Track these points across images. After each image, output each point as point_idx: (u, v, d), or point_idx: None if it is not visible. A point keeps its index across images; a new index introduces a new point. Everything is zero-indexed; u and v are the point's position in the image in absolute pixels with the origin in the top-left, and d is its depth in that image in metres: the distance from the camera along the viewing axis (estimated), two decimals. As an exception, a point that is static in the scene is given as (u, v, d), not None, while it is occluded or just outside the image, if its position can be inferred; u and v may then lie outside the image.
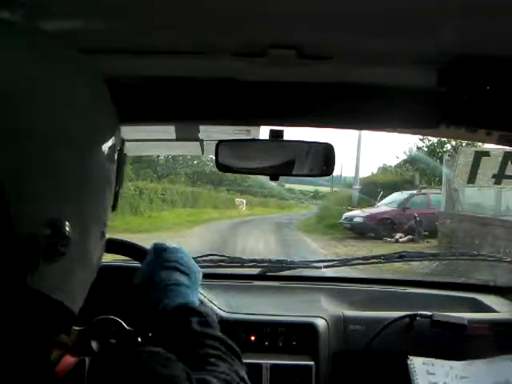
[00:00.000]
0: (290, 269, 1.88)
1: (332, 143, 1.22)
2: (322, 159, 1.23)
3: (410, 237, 11.54)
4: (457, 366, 1.35)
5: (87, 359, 0.52)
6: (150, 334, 0.88)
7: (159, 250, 0.89)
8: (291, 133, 1.21)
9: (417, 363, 1.34)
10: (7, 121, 0.47)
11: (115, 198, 0.62)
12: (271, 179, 1.27)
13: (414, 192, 13.66)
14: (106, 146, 0.56)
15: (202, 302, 0.90)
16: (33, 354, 0.49)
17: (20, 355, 0.48)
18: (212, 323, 0.76)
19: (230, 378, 0.64)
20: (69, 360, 0.51)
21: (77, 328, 0.83)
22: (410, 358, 1.35)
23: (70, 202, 0.52)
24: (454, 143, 15.61)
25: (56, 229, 0.49)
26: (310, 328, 1.45)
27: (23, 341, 0.48)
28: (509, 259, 2.20)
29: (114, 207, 0.63)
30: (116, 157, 0.59)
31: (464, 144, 12.24)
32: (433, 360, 1.35)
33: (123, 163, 0.63)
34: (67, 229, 0.50)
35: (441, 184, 12.22)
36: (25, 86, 0.49)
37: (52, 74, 0.52)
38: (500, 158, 8.54)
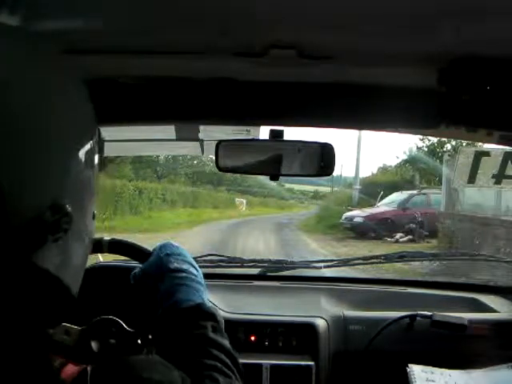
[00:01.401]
0: (289, 269, 1.88)
1: (332, 143, 1.22)
2: (322, 159, 1.23)
3: (410, 237, 11.54)
4: (456, 374, 1.34)
5: (89, 368, 0.54)
6: (150, 336, 0.88)
7: (168, 245, 0.90)
8: (291, 133, 1.21)
9: (416, 371, 1.33)
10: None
11: None
12: (271, 179, 1.27)
13: (414, 192, 13.65)
14: (89, 141, 0.60)
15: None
16: (35, 360, 0.49)
17: (22, 360, 0.49)
18: (223, 330, 0.76)
19: None
20: (72, 369, 0.53)
21: (77, 328, 0.83)
22: (410, 365, 1.35)
23: (68, 185, 0.56)
24: (454, 143, 15.63)
25: (58, 208, 0.53)
26: (310, 328, 1.45)
27: (25, 336, 0.49)
28: (509, 259, 2.21)
29: None
30: (96, 145, 0.62)
31: (464, 144, 12.25)
32: (432, 368, 1.35)
33: (102, 149, 0.66)
34: (68, 208, 0.54)
35: (441, 184, 12.22)
36: (15, 85, 0.51)
37: (31, 74, 0.54)
38: (500, 158, 8.54)
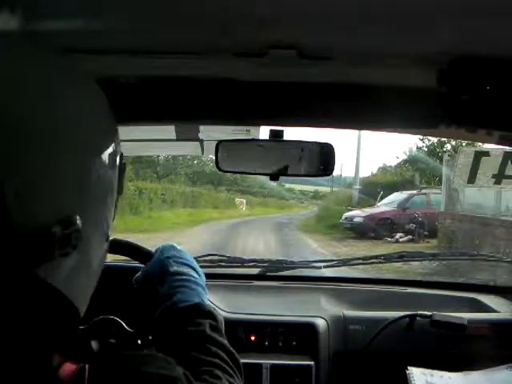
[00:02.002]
0: (289, 269, 1.88)
1: (332, 143, 1.22)
2: (322, 159, 1.23)
3: (410, 237, 11.54)
4: (456, 377, 1.34)
5: (87, 366, 0.52)
6: (151, 337, 0.88)
7: (169, 247, 0.90)
8: (291, 133, 1.21)
9: (416, 373, 1.33)
10: (10, 124, 0.47)
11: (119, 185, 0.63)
12: (271, 179, 1.27)
13: (414, 192, 13.65)
14: (107, 149, 0.57)
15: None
16: (34, 358, 0.49)
17: (22, 359, 0.48)
18: (221, 329, 0.76)
19: None
20: (70, 367, 0.52)
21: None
22: (409, 368, 1.35)
23: (80, 199, 0.52)
24: (454, 143, 15.62)
25: (69, 222, 0.50)
26: (310, 328, 1.45)
27: (27, 341, 0.49)
28: (509, 259, 2.21)
29: (119, 192, 0.64)
30: (117, 162, 0.60)
31: (464, 144, 12.24)
32: (432, 371, 1.35)
33: (123, 169, 0.63)
34: (79, 222, 0.50)
35: (441, 184, 12.22)
36: (26, 89, 0.49)
37: (54, 77, 0.53)
38: (500, 158, 8.54)
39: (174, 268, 0.84)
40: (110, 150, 0.57)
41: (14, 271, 0.47)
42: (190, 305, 0.77)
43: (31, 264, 0.47)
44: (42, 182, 0.49)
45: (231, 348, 0.73)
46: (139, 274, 0.90)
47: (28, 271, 0.47)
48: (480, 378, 1.35)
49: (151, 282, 0.86)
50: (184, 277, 0.83)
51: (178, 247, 0.91)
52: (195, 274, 0.85)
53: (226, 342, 0.74)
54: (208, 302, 0.81)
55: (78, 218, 0.50)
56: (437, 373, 1.34)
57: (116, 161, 0.59)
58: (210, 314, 0.77)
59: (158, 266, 0.87)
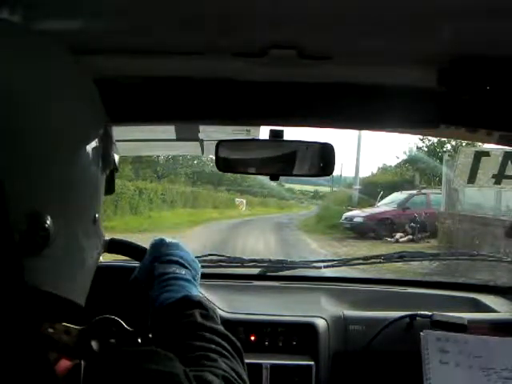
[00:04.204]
0: (290, 269, 1.88)
1: (332, 143, 1.22)
2: (322, 159, 1.23)
3: (410, 237, 11.54)
4: (472, 342, 1.32)
5: (83, 362, 0.52)
6: (151, 335, 0.88)
7: (157, 245, 0.90)
8: (291, 133, 1.21)
9: (430, 339, 1.31)
10: None
11: (110, 183, 0.63)
12: (271, 179, 1.27)
13: (414, 192, 13.66)
14: (92, 144, 0.57)
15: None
16: (31, 354, 0.49)
17: (19, 355, 0.48)
18: (214, 316, 0.76)
19: (228, 374, 0.63)
20: (65, 364, 0.52)
21: (77, 328, 0.83)
22: (424, 331, 1.34)
23: (52, 196, 0.52)
24: (454, 143, 15.62)
25: (34, 222, 0.49)
26: (310, 328, 1.45)
27: (20, 338, 0.49)
28: (509, 259, 2.21)
29: (109, 191, 0.65)
30: (102, 149, 0.60)
31: (464, 144, 12.25)
32: (448, 335, 1.33)
33: (111, 149, 0.63)
34: (48, 222, 0.50)
35: (441, 184, 12.23)
36: (13, 85, 0.49)
37: (40, 73, 0.53)
38: (500, 158, 8.53)
39: (159, 270, 0.84)
40: (94, 149, 0.57)
41: None
42: (177, 299, 0.78)
43: (6, 265, 0.47)
44: (18, 179, 0.48)
45: (226, 332, 0.73)
46: (133, 275, 0.92)
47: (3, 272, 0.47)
48: (497, 347, 1.30)
49: (141, 289, 0.87)
50: (169, 275, 0.83)
51: (168, 241, 0.91)
52: (182, 270, 0.85)
53: (219, 327, 0.74)
54: (197, 294, 0.82)
55: (48, 217, 0.49)
56: (452, 337, 1.32)
57: (99, 158, 0.59)
58: (199, 304, 0.77)
59: (144, 272, 0.88)
